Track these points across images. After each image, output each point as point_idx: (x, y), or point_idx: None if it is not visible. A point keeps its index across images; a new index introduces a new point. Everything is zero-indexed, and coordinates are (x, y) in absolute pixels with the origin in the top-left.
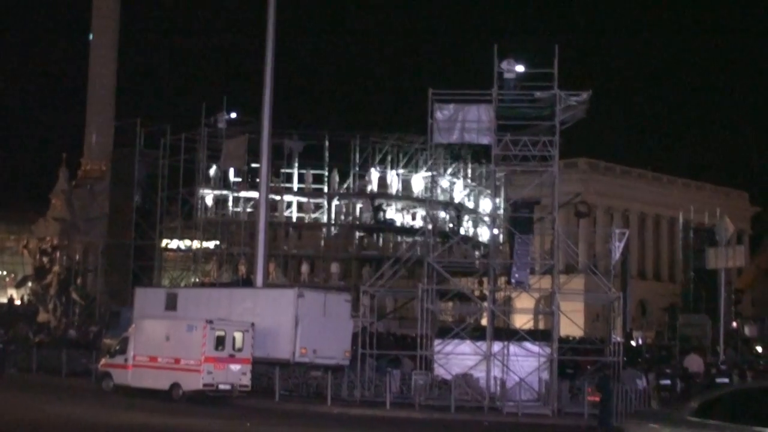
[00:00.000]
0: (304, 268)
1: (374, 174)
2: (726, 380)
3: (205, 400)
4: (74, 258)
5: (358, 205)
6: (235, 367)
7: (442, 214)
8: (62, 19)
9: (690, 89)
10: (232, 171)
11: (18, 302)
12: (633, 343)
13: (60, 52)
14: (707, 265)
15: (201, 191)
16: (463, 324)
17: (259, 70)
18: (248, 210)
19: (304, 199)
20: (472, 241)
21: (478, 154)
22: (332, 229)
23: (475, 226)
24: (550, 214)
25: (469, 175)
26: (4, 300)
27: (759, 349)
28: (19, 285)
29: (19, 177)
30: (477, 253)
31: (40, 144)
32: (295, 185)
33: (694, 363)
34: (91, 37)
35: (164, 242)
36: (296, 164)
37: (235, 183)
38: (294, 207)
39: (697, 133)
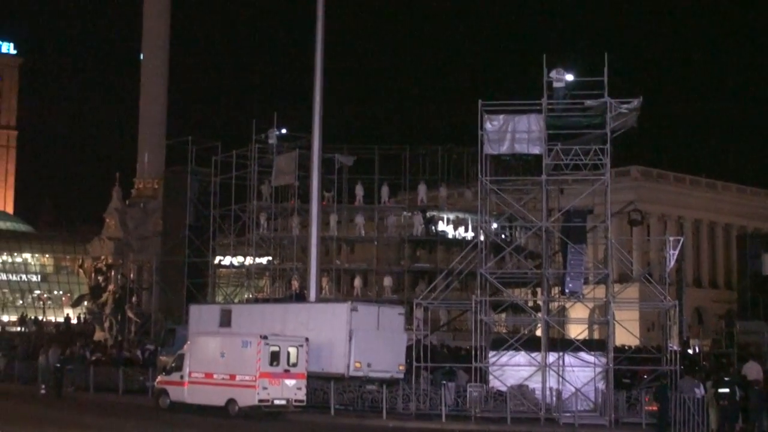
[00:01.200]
0: (357, 282)
1: (424, 186)
2: None
3: (260, 416)
4: (129, 276)
5: (410, 218)
6: (290, 382)
7: (494, 225)
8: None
9: (743, 93)
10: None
11: (74, 321)
12: (690, 351)
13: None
14: (764, 271)
15: (253, 207)
16: (517, 335)
17: (308, 86)
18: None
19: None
20: (525, 252)
21: (530, 164)
22: (384, 242)
23: (528, 236)
24: (603, 223)
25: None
26: (61, 319)
27: None
28: (75, 304)
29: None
30: (530, 263)
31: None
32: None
33: (753, 370)
34: (141, 57)
35: (217, 259)
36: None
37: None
38: (346, 221)
39: (751, 138)
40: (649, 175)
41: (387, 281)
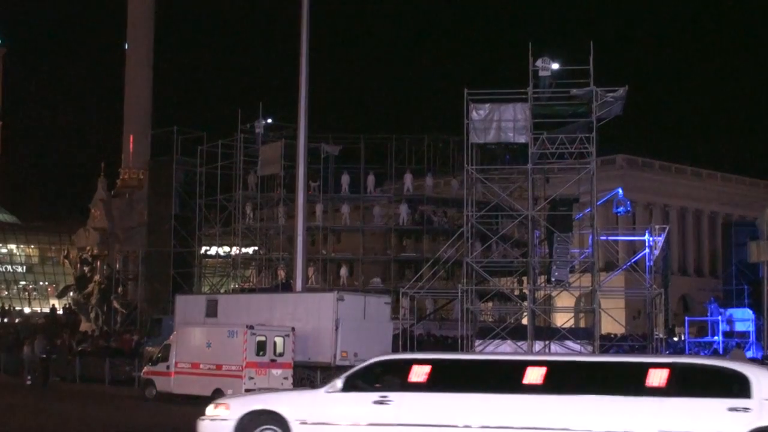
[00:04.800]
0: (343, 271)
1: (410, 176)
2: None
3: None
4: (114, 267)
5: (396, 208)
6: (276, 372)
7: (479, 214)
8: (98, 30)
9: (728, 82)
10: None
11: (60, 312)
12: (675, 339)
13: (96, 63)
14: (749, 259)
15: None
16: (503, 324)
17: (294, 75)
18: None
19: (342, 203)
20: (511, 240)
21: (516, 153)
22: (370, 232)
23: (514, 225)
24: (588, 212)
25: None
26: (47, 310)
27: None
28: (60, 295)
29: (58, 188)
30: (516, 252)
31: (78, 154)
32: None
33: (738, 358)
34: (126, 46)
35: (203, 249)
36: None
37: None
38: (332, 211)
39: (736, 127)
40: (634, 163)
41: (373, 271)
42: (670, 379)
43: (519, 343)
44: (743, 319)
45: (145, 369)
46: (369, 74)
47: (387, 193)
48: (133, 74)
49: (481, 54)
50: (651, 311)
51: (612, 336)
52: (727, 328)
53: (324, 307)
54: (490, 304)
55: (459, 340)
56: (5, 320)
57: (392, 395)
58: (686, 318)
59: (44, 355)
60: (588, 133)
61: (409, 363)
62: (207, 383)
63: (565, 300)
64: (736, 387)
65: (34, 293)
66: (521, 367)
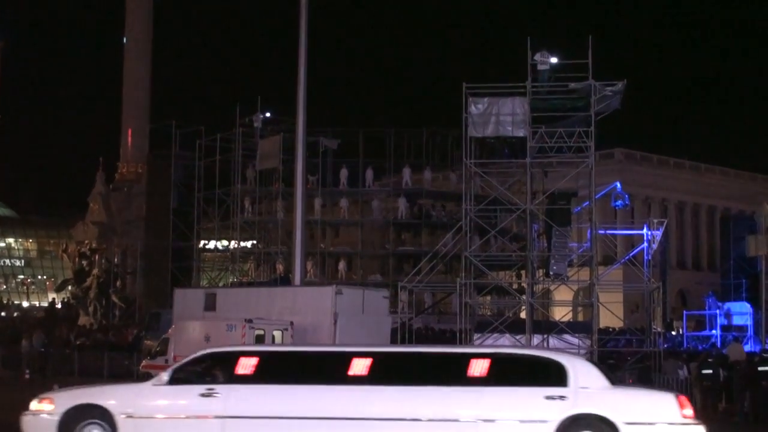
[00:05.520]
0: (342, 265)
1: (409, 169)
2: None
3: None
4: (113, 261)
5: (394, 202)
6: None
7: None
8: (96, 25)
9: (727, 76)
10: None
11: (58, 305)
12: (674, 332)
13: (95, 57)
14: (748, 253)
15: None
16: (502, 317)
17: (292, 69)
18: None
19: (341, 197)
20: (510, 234)
21: (514, 147)
22: (369, 226)
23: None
24: (587, 206)
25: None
26: (45, 304)
27: None
28: (59, 288)
29: (57, 182)
30: (515, 246)
31: (77, 148)
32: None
33: (736, 351)
34: (125, 40)
35: (202, 243)
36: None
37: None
38: (330, 205)
39: (735, 121)
40: (632, 157)
41: (372, 264)
42: (491, 370)
43: (517, 337)
44: (741, 312)
45: (144, 363)
46: (368, 68)
47: (385, 187)
48: (131, 68)
49: (480, 48)
50: (649, 305)
51: (610, 330)
52: (725, 322)
53: (322, 300)
54: (488, 297)
55: (457, 334)
56: (4, 314)
57: (219, 388)
58: (684, 312)
59: (43, 349)
60: (586, 127)
61: (237, 355)
62: None
63: (563, 294)
64: (554, 376)
65: (33, 287)
66: (347, 358)
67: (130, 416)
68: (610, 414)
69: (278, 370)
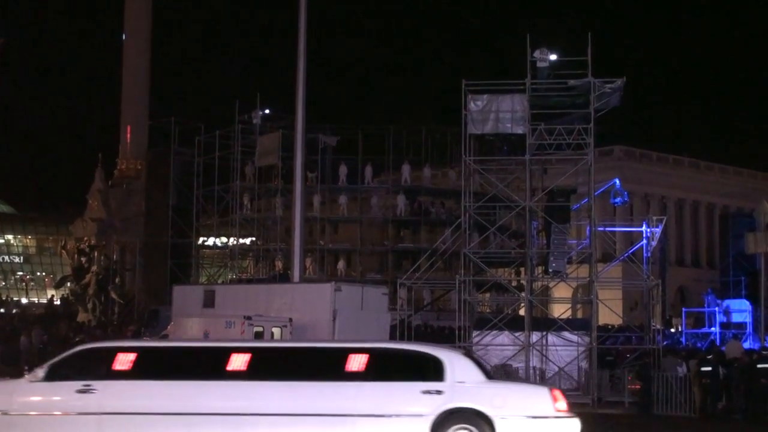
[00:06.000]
0: (341, 264)
1: (408, 166)
2: (767, 365)
3: None
4: (112, 257)
5: (393, 199)
6: None
7: (477, 205)
8: (95, 20)
9: (727, 73)
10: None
11: (57, 302)
12: (673, 330)
13: (94, 53)
14: (747, 250)
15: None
16: (501, 314)
17: (292, 66)
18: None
19: (340, 194)
20: (509, 231)
21: (513, 144)
22: (368, 222)
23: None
24: (586, 203)
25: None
26: (44, 300)
27: None
28: (58, 285)
29: (56, 178)
30: (514, 242)
31: (75, 145)
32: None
33: (735, 349)
34: (124, 37)
35: (201, 240)
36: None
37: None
38: (329, 202)
39: (735, 118)
40: (632, 154)
41: (371, 261)
42: (369, 365)
43: (516, 334)
44: (740, 310)
45: None
46: (367, 65)
47: (385, 183)
48: (130, 64)
49: (479, 45)
50: (648, 302)
51: (609, 327)
52: (724, 319)
53: (321, 297)
54: (487, 294)
55: (456, 331)
56: (2, 311)
57: (96, 384)
58: (683, 309)
59: (42, 346)
60: (586, 124)
61: (115, 351)
62: None
63: (562, 291)
64: (431, 371)
65: (32, 284)
66: (225, 354)
67: (5, 413)
68: (485, 408)
69: (156, 365)
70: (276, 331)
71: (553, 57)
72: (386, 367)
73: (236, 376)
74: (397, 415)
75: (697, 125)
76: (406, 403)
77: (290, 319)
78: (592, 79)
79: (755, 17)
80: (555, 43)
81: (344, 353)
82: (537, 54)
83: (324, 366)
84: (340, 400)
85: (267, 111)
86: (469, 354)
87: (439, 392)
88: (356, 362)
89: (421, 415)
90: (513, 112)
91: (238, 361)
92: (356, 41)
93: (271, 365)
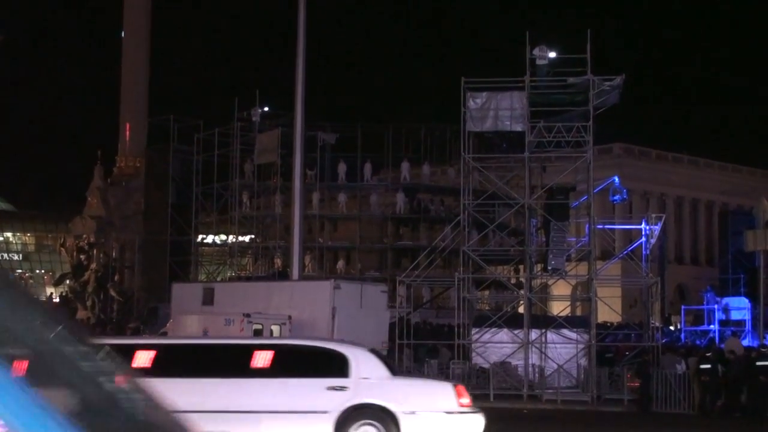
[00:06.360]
0: (340, 264)
1: (407, 164)
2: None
3: None
4: (111, 255)
5: (393, 196)
6: None
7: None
8: (94, 18)
9: (726, 70)
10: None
11: (56, 300)
12: (672, 327)
13: (93, 51)
14: (746, 248)
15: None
16: (500, 312)
17: (291, 63)
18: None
19: (339, 192)
20: (508, 229)
21: (512, 141)
22: (367, 220)
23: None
24: (585, 200)
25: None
26: (43, 298)
27: None
28: (57, 283)
29: (55, 176)
30: (513, 240)
31: (75, 142)
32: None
33: (734, 346)
34: (122, 34)
35: (200, 237)
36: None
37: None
38: (328, 199)
39: (734, 116)
40: (631, 152)
41: (370, 259)
42: (274, 361)
43: (515, 332)
44: (739, 307)
45: None
46: (366, 62)
47: (384, 181)
48: (129, 62)
49: (479, 42)
50: (647, 300)
51: (608, 324)
52: (723, 317)
53: (321, 295)
54: (486, 292)
55: (456, 329)
56: None
57: None
58: (682, 306)
59: None
60: (585, 121)
61: None
62: None
63: (561, 288)
64: (336, 367)
65: (31, 281)
66: (130, 351)
67: None
68: (389, 404)
69: None
70: (275, 328)
71: (553, 54)
72: (291, 364)
73: (140, 373)
74: (302, 412)
75: (696, 123)
76: (311, 399)
77: (289, 317)
78: (591, 76)
79: (755, 14)
80: (554, 40)
81: (250, 350)
82: (536, 51)
83: (230, 362)
84: (245, 397)
85: (266, 108)
86: (374, 350)
87: (343, 388)
88: (261, 358)
89: (325, 411)
90: (512, 109)
91: (142, 358)
92: (355, 38)
93: (176, 362)
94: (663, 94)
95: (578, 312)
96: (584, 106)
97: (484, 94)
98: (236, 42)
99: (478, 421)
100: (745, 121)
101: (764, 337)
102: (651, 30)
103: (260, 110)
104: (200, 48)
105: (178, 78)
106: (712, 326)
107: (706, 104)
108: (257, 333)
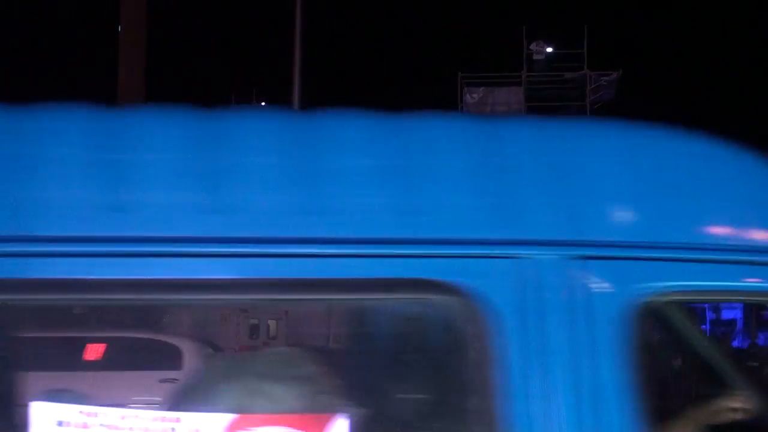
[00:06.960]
0: None
1: None
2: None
3: None
4: None
5: None
6: None
7: None
8: (91, 13)
9: (725, 67)
10: None
11: None
12: None
13: (90, 46)
14: None
15: None
16: None
17: (288, 57)
18: None
19: None
20: None
21: None
22: None
23: None
24: None
25: None
26: None
27: None
28: None
29: None
30: None
31: None
32: None
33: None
34: (120, 28)
35: None
36: None
37: None
38: None
39: (733, 114)
40: None
41: None
42: (106, 354)
43: None
44: (730, 307)
45: None
46: (363, 57)
47: None
48: (126, 56)
49: (475, 37)
50: None
51: None
52: (713, 317)
53: None
54: None
55: None
56: None
57: None
58: None
59: None
60: (581, 116)
61: None
62: None
63: None
64: (169, 359)
65: None
66: None
67: None
68: None
69: None
70: (272, 323)
71: (549, 49)
72: (124, 356)
73: None
74: (135, 407)
75: (694, 120)
76: (144, 393)
77: (286, 312)
78: (587, 72)
79: (755, 12)
80: (551, 35)
81: (81, 342)
82: (533, 47)
83: (57, 356)
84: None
85: (263, 103)
86: (210, 342)
87: (175, 381)
88: (93, 352)
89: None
90: (509, 104)
91: None
92: (352, 32)
93: None
94: (660, 90)
95: None
96: (581, 101)
97: (481, 89)
98: (233, 36)
99: None
100: (745, 120)
101: (755, 337)
102: (648, 25)
103: (257, 104)
104: (196, 42)
105: (174, 73)
106: (702, 326)
107: (705, 102)
108: (254, 328)
